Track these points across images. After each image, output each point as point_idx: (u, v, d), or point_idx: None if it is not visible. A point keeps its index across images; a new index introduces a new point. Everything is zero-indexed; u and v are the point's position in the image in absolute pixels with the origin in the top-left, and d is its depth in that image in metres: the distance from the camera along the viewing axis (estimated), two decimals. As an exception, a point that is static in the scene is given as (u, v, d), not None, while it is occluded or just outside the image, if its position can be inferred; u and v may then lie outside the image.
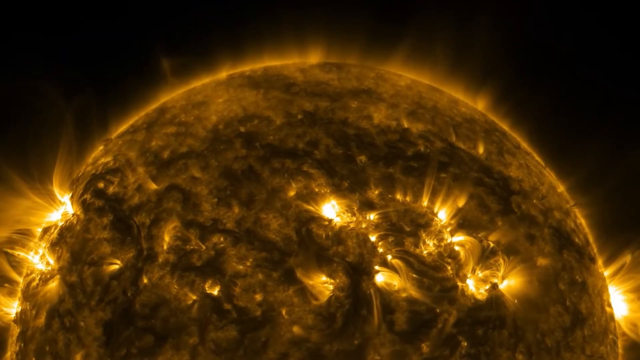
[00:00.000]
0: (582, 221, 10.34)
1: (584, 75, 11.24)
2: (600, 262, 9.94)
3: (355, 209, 7.83)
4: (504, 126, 10.92)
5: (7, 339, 9.66)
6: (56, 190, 9.71)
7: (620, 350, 9.70)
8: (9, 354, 9.53)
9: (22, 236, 9.64)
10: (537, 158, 10.78)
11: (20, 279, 9.56)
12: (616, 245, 9.90)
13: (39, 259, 9.25)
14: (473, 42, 11.12)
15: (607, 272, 9.92)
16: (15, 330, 9.27)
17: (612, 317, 9.59)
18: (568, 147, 10.86)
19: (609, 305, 9.59)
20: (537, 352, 7.80)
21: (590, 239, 10.16)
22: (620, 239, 9.86)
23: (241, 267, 7.50)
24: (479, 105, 10.98)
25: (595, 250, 10.02)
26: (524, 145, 10.83)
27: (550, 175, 10.53)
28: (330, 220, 7.79)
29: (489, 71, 10.95)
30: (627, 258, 9.69)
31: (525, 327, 7.84)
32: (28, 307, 8.97)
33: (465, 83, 11.09)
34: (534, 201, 9.05)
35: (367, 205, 7.91)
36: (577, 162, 10.37)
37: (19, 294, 9.48)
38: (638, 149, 10.36)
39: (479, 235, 8.04)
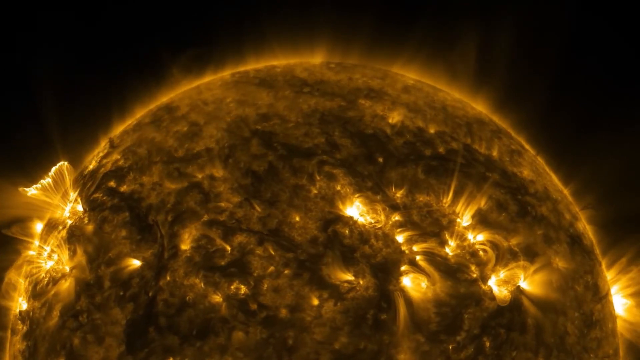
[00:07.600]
0: (585, 223, 10.48)
1: (584, 74, 11.34)
2: (603, 265, 10.10)
3: (380, 209, 7.82)
4: (506, 127, 11.02)
5: (7, 338, 9.49)
6: (58, 187, 9.53)
7: (621, 352, 9.87)
8: (9, 353, 9.34)
9: (22, 232, 9.48)
10: (540, 159, 10.89)
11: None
12: (618, 247, 10.04)
13: (46, 257, 9.06)
14: (475, 43, 11.19)
15: (609, 275, 10.07)
16: (20, 329, 9.07)
17: (615, 318, 9.76)
18: (568, 147, 10.97)
19: (613, 307, 9.75)
20: (557, 354, 7.89)
21: (593, 241, 10.31)
22: (624, 242, 10.01)
23: (267, 267, 7.44)
24: (480, 106, 11.06)
25: (598, 252, 10.17)
26: (527, 146, 10.94)
27: (554, 177, 10.66)
28: (355, 221, 7.78)
29: (489, 73, 11.03)
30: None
31: (546, 329, 7.93)
32: (37, 306, 8.76)
33: (467, 84, 11.16)
34: (548, 203, 9.15)
35: (391, 206, 7.92)
36: (577, 164, 10.50)
37: (22, 292, 9.29)
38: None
39: (500, 237, 8.09)
